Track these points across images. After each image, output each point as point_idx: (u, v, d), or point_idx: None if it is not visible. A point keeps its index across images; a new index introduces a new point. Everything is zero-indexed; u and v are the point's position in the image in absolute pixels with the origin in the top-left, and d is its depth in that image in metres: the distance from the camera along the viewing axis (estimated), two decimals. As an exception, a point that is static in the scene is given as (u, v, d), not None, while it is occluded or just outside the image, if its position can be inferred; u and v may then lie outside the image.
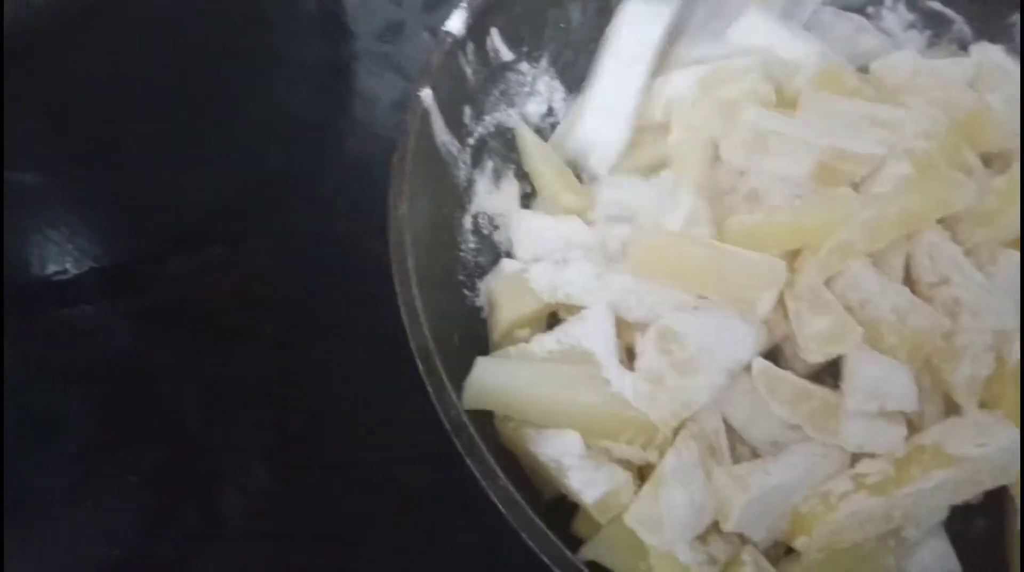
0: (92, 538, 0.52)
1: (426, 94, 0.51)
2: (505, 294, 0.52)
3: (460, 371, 0.47)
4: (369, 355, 0.57)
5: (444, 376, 0.41)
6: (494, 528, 0.48)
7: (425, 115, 0.51)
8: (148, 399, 0.57)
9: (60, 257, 0.63)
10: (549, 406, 0.46)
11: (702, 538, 0.44)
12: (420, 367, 0.42)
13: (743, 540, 0.45)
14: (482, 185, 0.58)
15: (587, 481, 0.43)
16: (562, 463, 0.44)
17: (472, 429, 0.40)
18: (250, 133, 0.70)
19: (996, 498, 0.48)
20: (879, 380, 0.44)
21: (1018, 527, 0.47)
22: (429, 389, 0.41)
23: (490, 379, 0.46)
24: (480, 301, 0.54)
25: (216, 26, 0.72)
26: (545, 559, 0.37)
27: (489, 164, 0.58)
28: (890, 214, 0.47)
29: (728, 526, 0.43)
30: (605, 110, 0.58)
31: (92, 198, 0.67)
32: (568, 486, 0.44)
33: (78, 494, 0.54)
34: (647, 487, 0.44)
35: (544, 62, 0.63)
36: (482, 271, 0.55)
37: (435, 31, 0.54)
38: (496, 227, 0.58)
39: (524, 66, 0.61)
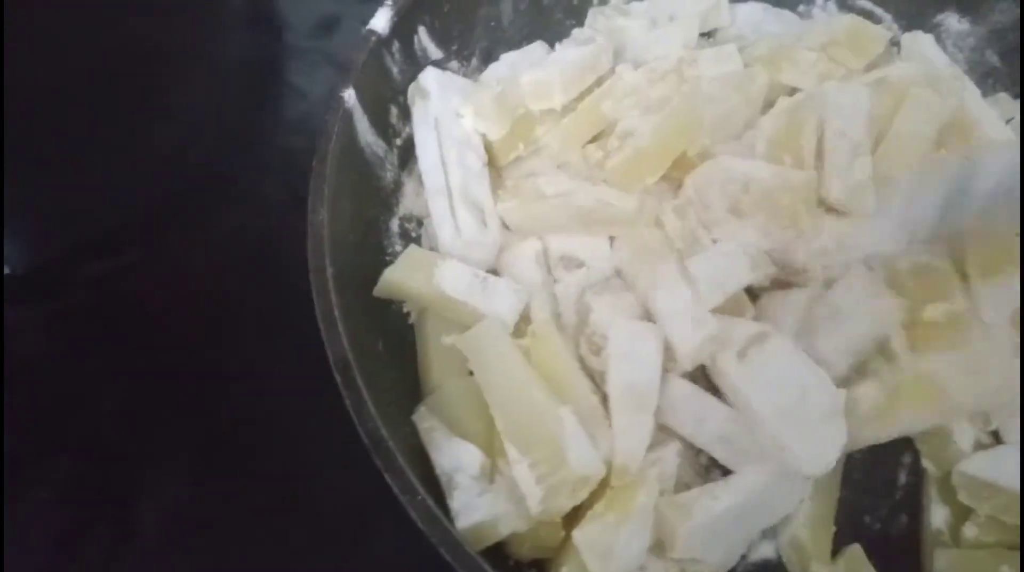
0: (9, 558, 0.50)
1: (348, 94, 0.49)
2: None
3: (385, 380, 0.46)
4: (295, 359, 0.54)
5: (363, 390, 0.40)
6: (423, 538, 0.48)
7: (347, 116, 0.50)
8: (64, 407, 0.55)
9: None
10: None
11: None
12: (338, 380, 0.40)
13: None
14: (410, 187, 0.56)
15: (465, 504, 0.42)
16: (452, 479, 0.43)
17: (392, 444, 0.39)
18: (173, 132, 0.67)
19: (915, 497, 0.50)
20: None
21: (934, 523, 0.48)
22: (347, 403, 0.40)
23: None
24: (407, 307, 0.53)
25: (138, 21, 0.69)
26: (464, 575, 0.36)
27: (417, 166, 0.57)
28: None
29: (675, 553, 0.43)
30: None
31: (6, 201, 0.63)
32: (451, 506, 0.43)
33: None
34: (609, 514, 0.43)
35: (475, 60, 0.62)
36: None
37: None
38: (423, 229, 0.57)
39: (454, 64, 0.60)
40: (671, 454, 0.47)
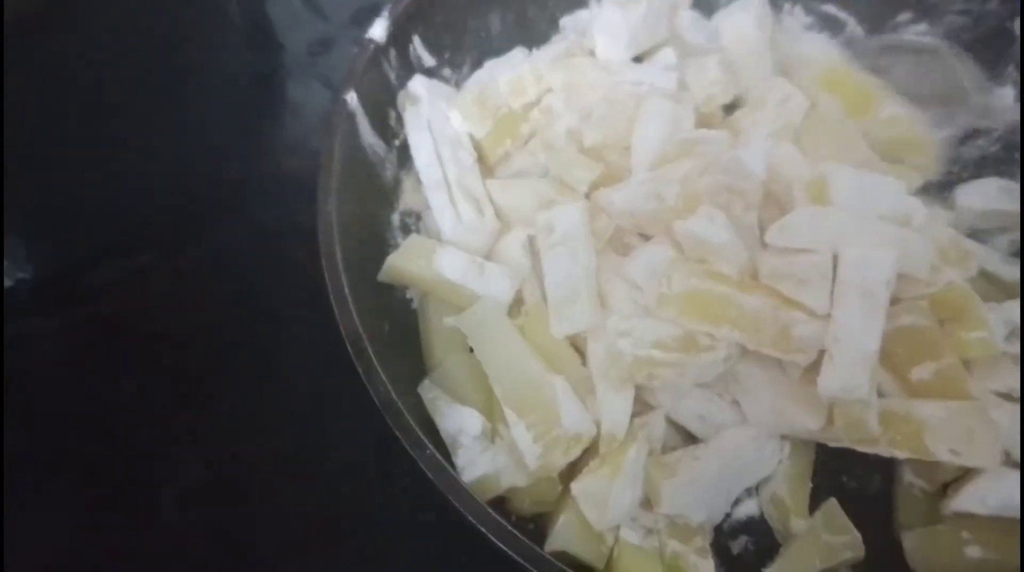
0: (27, 538, 0.53)
1: (351, 97, 0.54)
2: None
3: (390, 358, 0.49)
4: (301, 355, 0.59)
5: (373, 358, 0.44)
6: (435, 515, 0.51)
7: (351, 117, 0.54)
8: (80, 405, 0.58)
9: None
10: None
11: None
12: (350, 350, 0.44)
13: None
14: (409, 184, 0.60)
15: (469, 461, 0.46)
16: (456, 440, 0.47)
17: (400, 405, 0.43)
18: (179, 143, 0.71)
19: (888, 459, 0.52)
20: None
21: (907, 478, 0.52)
22: (359, 370, 0.43)
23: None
24: (409, 294, 0.57)
25: (146, 38, 0.73)
26: (471, 519, 0.40)
27: (415, 165, 0.61)
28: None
29: (661, 509, 0.47)
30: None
31: (20, 209, 0.67)
32: (455, 464, 0.46)
33: (11, 496, 0.54)
34: (603, 468, 0.47)
35: (466, 68, 0.66)
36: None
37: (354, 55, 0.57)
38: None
39: (447, 71, 0.65)
40: (658, 420, 0.50)
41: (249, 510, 0.54)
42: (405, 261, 0.53)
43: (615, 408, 0.49)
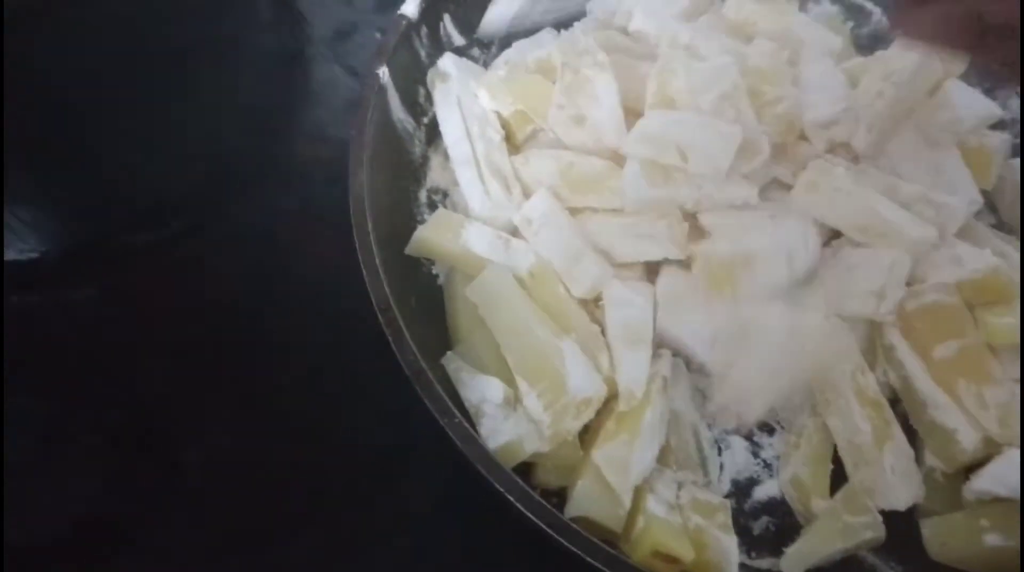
0: (55, 498, 0.53)
1: (383, 71, 0.54)
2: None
3: (416, 332, 0.50)
4: (328, 326, 0.60)
5: (403, 326, 0.44)
6: (453, 486, 0.52)
7: (382, 91, 0.54)
8: (109, 370, 0.58)
9: (19, 240, 0.64)
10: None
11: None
12: (380, 318, 0.44)
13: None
14: (436, 161, 0.61)
15: (493, 429, 0.47)
16: (480, 409, 0.48)
17: (429, 374, 0.43)
18: (208, 117, 0.71)
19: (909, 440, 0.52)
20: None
21: (928, 462, 0.52)
22: (389, 337, 0.44)
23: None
24: (436, 269, 0.57)
25: (176, 14, 0.74)
26: (500, 488, 0.40)
27: (443, 143, 0.61)
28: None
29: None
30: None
31: (51, 181, 0.68)
32: (479, 433, 0.47)
33: (40, 458, 0.55)
34: (621, 433, 0.47)
35: (494, 48, 0.66)
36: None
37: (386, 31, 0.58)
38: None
39: (475, 51, 0.65)
40: (665, 365, 0.51)
41: (271, 477, 0.54)
42: (433, 233, 0.53)
43: (632, 365, 0.49)
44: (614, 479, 0.45)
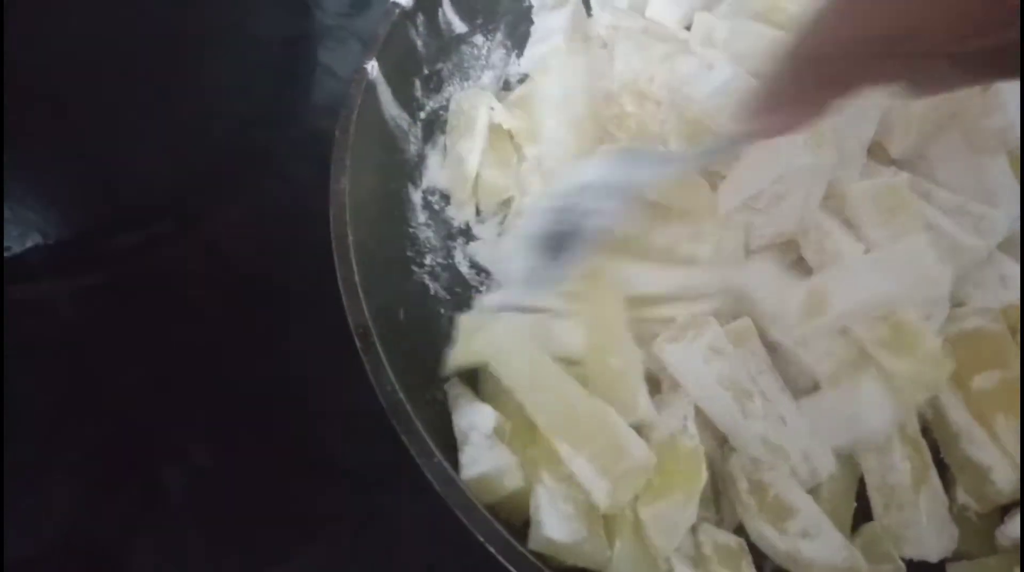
0: (33, 515, 0.51)
1: (372, 66, 0.50)
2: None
3: (405, 347, 0.46)
4: (319, 332, 0.55)
5: (382, 354, 0.41)
6: (438, 509, 0.49)
7: (371, 87, 0.50)
8: (92, 376, 0.56)
9: (5, 234, 0.62)
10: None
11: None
12: (357, 343, 0.41)
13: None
14: (434, 160, 0.57)
15: (472, 458, 0.42)
16: (467, 436, 0.44)
17: (409, 408, 0.39)
18: (205, 107, 0.68)
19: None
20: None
21: (960, 500, 0.48)
22: (366, 366, 0.40)
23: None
24: (428, 279, 0.53)
25: (175, 2, 0.70)
26: (479, 537, 0.37)
27: (442, 139, 0.57)
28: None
29: None
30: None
31: (39, 173, 0.65)
32: (460, 461, 0.43)
33: (20, 471, 0.52)
34: (675, 492, 0.43)
35: (499, 35, 0.62)
36: (432, 247, 0.54)
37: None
38: (448, 203, 0.57)
39: (478, 39, 0.61)
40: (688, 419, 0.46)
41: (254, 492, 0.52)
42: (463, 354, 0.47)
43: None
44: (660, 542, 0.41)
